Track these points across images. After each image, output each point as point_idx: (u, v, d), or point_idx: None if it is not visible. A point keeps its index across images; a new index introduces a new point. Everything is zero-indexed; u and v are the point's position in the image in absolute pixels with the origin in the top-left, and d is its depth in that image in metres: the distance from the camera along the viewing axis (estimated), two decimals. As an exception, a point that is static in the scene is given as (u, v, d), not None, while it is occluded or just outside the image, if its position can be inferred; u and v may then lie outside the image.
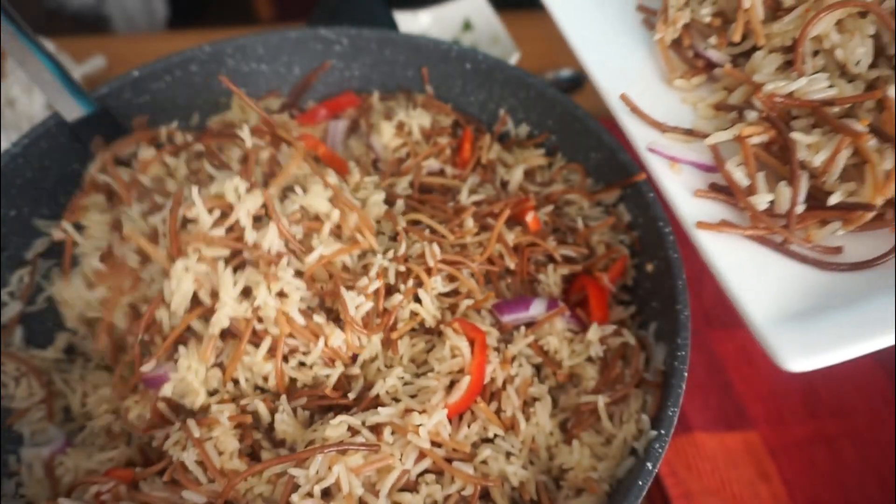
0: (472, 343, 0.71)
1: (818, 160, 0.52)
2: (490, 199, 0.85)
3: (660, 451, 0.63)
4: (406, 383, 0.72)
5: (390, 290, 0.75)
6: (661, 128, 0.60)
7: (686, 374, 0.67)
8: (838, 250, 0.53)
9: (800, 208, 0.53)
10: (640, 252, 0.82)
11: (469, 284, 0.77)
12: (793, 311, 0.49)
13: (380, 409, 0.68)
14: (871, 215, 0.51)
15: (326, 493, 0.64)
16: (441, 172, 0.92)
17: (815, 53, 0.57)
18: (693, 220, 0.54)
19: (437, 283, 0.76)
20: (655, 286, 0.78)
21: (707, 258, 0.53)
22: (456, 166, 0.93)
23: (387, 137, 0.94)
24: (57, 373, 0.85)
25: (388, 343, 0.74)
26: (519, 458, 0.69)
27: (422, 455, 0.66)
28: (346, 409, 0.71)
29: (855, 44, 0.54)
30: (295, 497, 0.63)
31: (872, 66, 0.54)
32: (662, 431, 0.65)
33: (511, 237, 0.80)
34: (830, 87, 0.54)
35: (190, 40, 1.04)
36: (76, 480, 0.72)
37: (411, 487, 0.67)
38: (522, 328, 0.76)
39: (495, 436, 0.71)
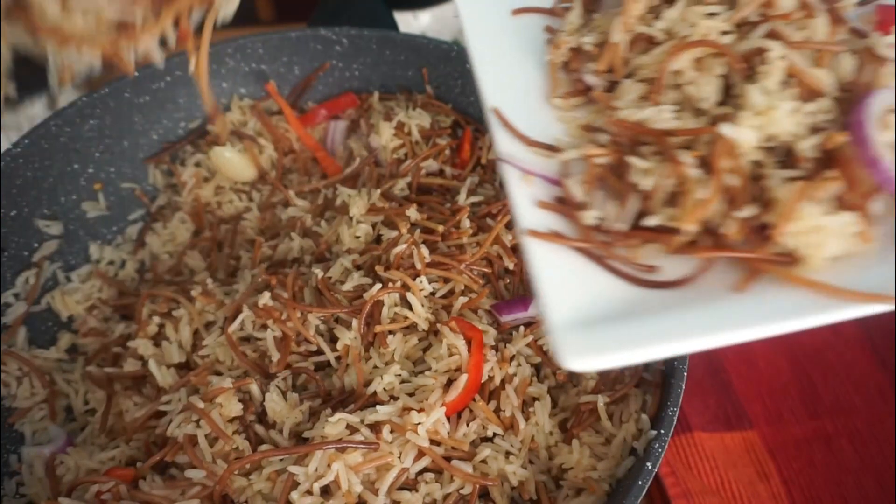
0: (469, 342, 0.72)
1: (647, 184, 0.55)
2: (489, 200, 0.85)
3: (659, 450, 0.63)
4: (403, 381, 0.72)
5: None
6: (526, 141, 0.62)
7: (686, 374, 0.68)
8: (653, 269, 0.55)
9: (622, 226, 0.56)
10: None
11: (464, 280, 0.77)
12: (591, 317, 0.51)
13: (378, 407, 0.68)
14: (683, 240, 0.54)
15: (325, 491, 0.64)
16: (440, 173, 0.92)
17: (677, 87, 0.60)
18: (526, 228, 0.56)
19: (425, 284, 0.76)
20: (655, 286, 0.78)
21: (529, 264, 0.55)
22: (455, 167, 0.93)
23: (386, 138, 0.94)
24: (59, 373, 0.85)
25: (371, 336, 0.74)
26: (518, 458, 0.70)
27: (421, 453, 0.67)
28: (343, 405, 0.72)
29: (705, 81, 0.58)
30: (294, 494, 0.63)
31: (723, 104, 0.58)
32: (662, 431, 0.65)
33: (509, 237, 0.80)
34: (676, 119, 0.58)
35: (190, 41, 1.04)
36: (77, 480, 0.72)
37: (410, 486, 0.67)
38: (522, 328, 0.77)
39: (495, 435, 0.71)
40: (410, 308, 0.75)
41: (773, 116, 0.52)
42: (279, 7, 2.01)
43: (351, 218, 0.84)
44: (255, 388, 0.73)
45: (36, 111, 1.18)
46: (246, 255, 0.90)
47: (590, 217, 0.56)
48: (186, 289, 0.84)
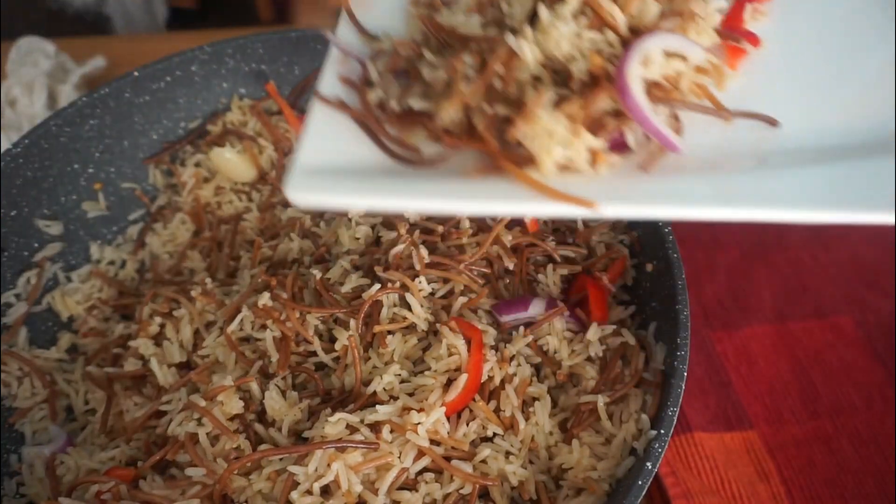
0: (468, 342, 0.72)
1: (429, 75, 0.61)
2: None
3: (659, 450, 0.63)
4: (403, 381, 0.72)
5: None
6: (359, 28, 0.69)
7: (686, 374, 0.68)
8: (416, 149, 0.60)
9: (395, 107, 0.62)
10: (639, 252, 0.82)
11: (464, 280, 0.77)
12: (334, 168, 0.57)
13: (378, 407, 0.68)
14: (438, 125, 0.59)
15: (325, 491, 0.64)
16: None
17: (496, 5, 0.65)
18: (318, 91, 0.63)
19: (424, 284, 0.76)
20: (655, 286, 0.78)
21: (307, 120, 0.61)
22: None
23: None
24: (59, 373, 0.85)
25: (370, 336, 0.74)
26: (518, 458, 0.70)
27: (420, 453, 0.67)
28: (342, 405, 0.72)
29: (517, 2, 0.62)
30: (294, 494, 0.63)
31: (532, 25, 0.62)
32: (662, 431, 0.65)
33: (509, 238, 0.80)
34: (482, 28, 0.62)
35: (190, 40, 1.04)
36: (77, 480, 0.72)
37: (410, 485, 0.67)
38: (521, 328, 0.77)
39: (495, 435, 0.71)
40: (409, 309, 0.75)
41: (552, 35, 0.55)
42: (279, 7, 2.01)
43: (350, 219, 0.84)
44: (254, 386, 0.73)
45: (36, 111, 1.18)
46: (246, 256, 0.90)
47: (373, 95, 0.62)
48: (186, 289, 0.84)
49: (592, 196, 0.51)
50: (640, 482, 0.61)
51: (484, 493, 0.68)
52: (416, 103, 0.61)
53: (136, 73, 0.94)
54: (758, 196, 0.53)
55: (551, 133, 0.54)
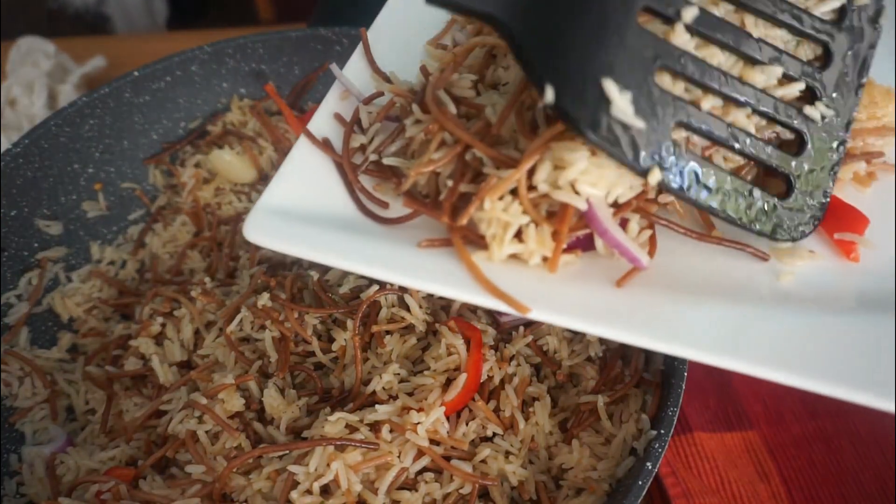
0: (468, 342, 0.72)
1: (411, 130, 0.60)
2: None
3: (659, 450, 0.63)
4: (402, 381, 0.72)
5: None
6: (372, 65, 0.69)
7: (686, 374, 0.68)
8: (385, 204, 0.60)
9: (374, 156, 0.62)
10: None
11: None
12: (297, 212, 0.57)
13: (377, 406, 0.68)
14: (404, 186, 0.58)
15: (325, 490, 0.64)
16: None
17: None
18: (308, 127, 0.63)
19: None
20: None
21: (289, 155, 0.62)
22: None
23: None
24: (60, 373, 0.85)
25: (369, 336, 0.74)
26: (518, 458, 0.70)
27: (420, 453, 0.67)
28: (342, 405, 0.72)
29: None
30: (294, 494, 0.63)
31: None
32: (662, 431, 0.65)
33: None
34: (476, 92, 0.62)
35: (190, 40, 1.04)
36: (77, 479, 0.72)
37: (410, 485, 0.67)
38: (521, 328, 0.77)
39: (494, 435, 0.71)
40: (408, 309, 0.75)
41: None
42: (279, 7, 2.01)
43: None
44: (253, 385, 0.73)
45: (36, 111, 1.18)
46: (245, 256, 0.90)
47: (356, 139, 0.63)
48: (186, 289, 0.84)
49: (532, 295, 0.51)
50: (640, 482, 0.61)
51: (484, 493, 0.68)
52: (390, 159, 0.61)
53: (136, 73, 0.94)
54: (718, 342, 0.49)
55: (506, 225, 0.52)
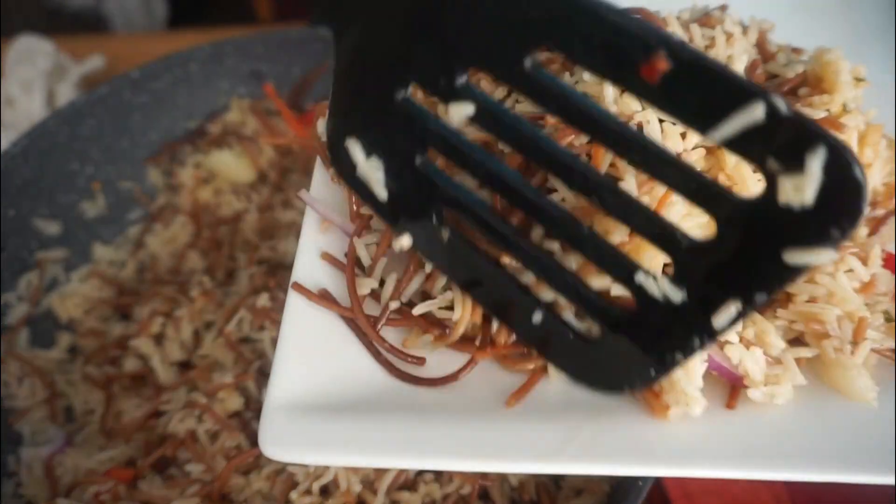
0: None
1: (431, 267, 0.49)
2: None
3: (659, 450, 0.63)
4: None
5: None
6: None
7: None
8: (421, 361, 0.49)
9: (395, 304, 0.49)
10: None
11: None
12: (318, 402, 0.45)
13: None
14: (454, 336, 0.48)
15: (325, 491, 0.64)
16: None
17: None
18: (297, 278, 0.50)
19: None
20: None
21: (283, 320, 0.48)
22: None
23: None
24: (59, 373, 0.85)
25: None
26: (518, 458, 0.69)
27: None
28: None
29: None
30: (293, 494, 0.63)
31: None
32: (661, 431, 0.64)
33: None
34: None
35: (190, 40, 1.04)
36: (75, 480, 0.72)
37: (410, 485, 0.67)
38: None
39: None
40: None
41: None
42: (279, 7, 2.01)
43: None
44: (251, 385, 0.73)
45: (34, 110, 1.18)
46: (244, 256, 0.90)
47: (366, 284, 0.49)
48: (186, 289, 0.84)
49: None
50: (640, 482, 0.61)
51: (484, 494, 0.68)
52: (422, 307, 0.49)
53: (136, 73, 0.94)
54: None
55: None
